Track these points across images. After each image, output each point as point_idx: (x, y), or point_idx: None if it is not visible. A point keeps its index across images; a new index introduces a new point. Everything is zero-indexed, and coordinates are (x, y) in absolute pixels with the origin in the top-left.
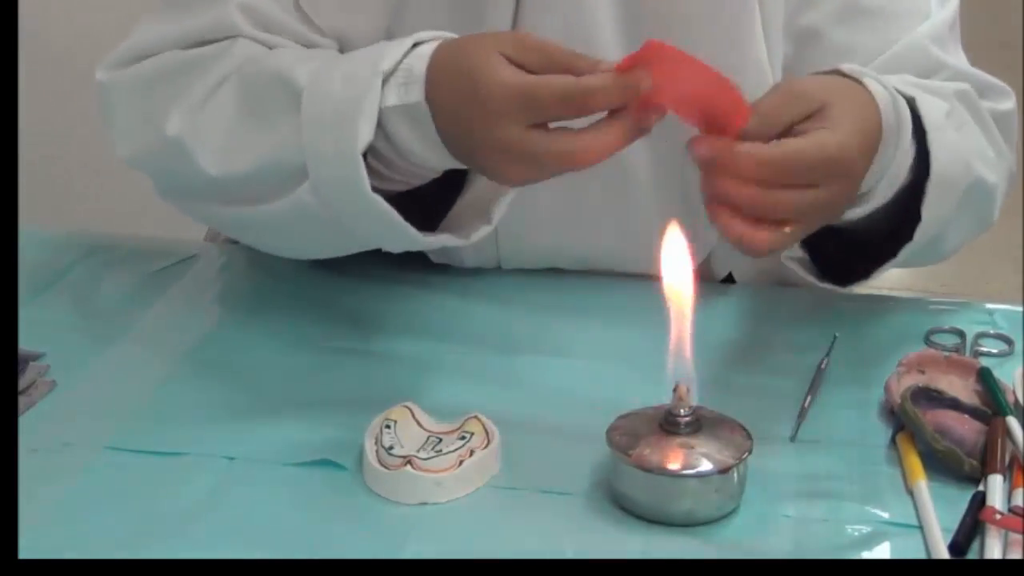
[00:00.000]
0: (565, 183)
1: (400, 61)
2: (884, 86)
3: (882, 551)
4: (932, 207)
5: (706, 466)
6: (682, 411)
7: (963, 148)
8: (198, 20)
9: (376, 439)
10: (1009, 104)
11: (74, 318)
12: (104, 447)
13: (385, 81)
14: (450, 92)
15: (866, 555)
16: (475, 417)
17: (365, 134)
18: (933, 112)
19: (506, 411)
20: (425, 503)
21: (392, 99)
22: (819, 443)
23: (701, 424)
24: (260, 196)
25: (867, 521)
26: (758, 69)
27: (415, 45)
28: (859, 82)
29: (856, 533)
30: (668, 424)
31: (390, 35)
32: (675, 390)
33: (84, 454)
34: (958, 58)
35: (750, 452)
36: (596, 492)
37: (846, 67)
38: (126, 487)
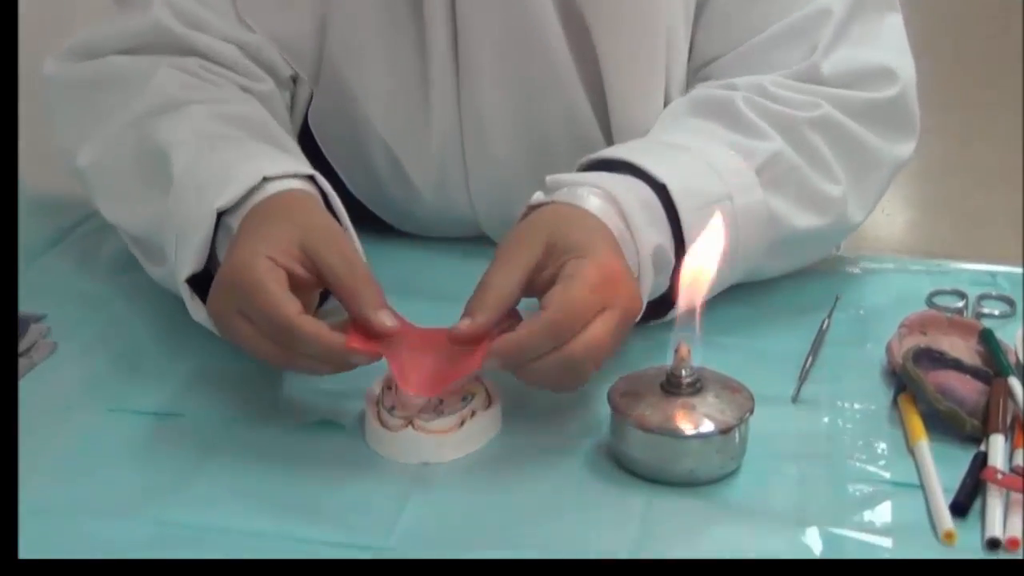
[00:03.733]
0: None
1: (238, 200)
2: (608, 196)
3: (884, 511)
4: (688, 296)
5: (708, 426)
6: (684, 372)
7: (766, 211)
8: (134, 21)
9: (378, 400)
10: (891, 90)
11: (75, 280)
12: (105, 409)
13: (222, 210)
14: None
15: (867, 515)
16: (477, 378)
17: (190, 265)
18: (691, 200)
19: (508, 373)
20: (427, 463)
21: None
22: (820, 404)
23: (703, 385)
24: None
25: (869, 481)
26: (673, 35)
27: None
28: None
29: (858, 493)
30: (670, 385)
31: (323, 34)
32: (676, 351)
33: (85, 416)
34: (857, 40)
35: (752, 412)
36: (598, 453)
37: (558, 195)
38: (126, 448)
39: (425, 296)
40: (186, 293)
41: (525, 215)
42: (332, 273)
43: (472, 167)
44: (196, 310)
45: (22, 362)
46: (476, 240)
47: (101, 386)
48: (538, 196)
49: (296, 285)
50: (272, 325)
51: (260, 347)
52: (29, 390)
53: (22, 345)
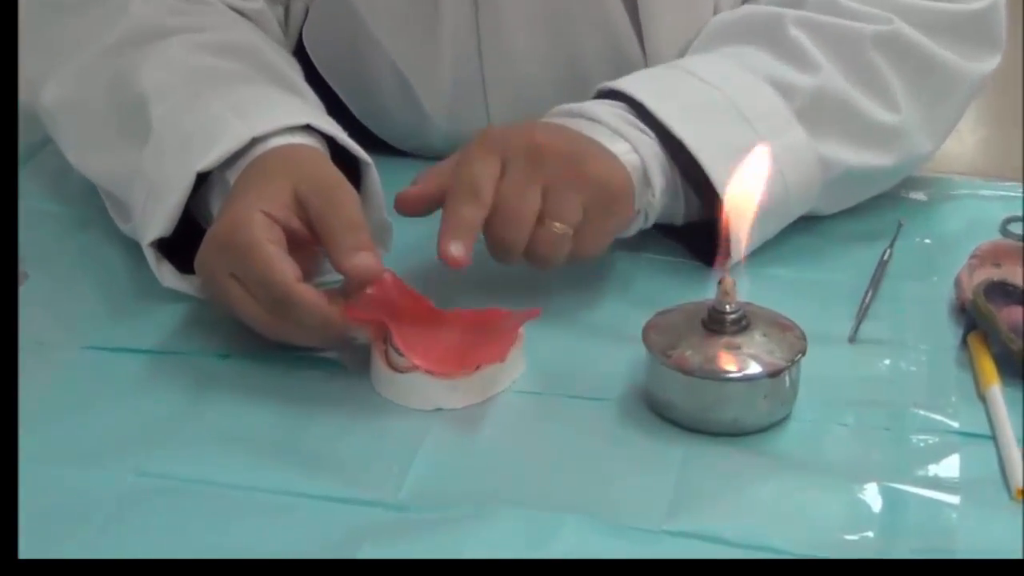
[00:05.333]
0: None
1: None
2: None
3: (950, 464)
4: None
5: (754, 369)
6: (727, 307)
7: (812, 153)
8: None
9: (385, 339)
10: (981, 1)
11: (47, 202)
12: (81, 347)
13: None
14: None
15: (932, 469)
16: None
17: (160, 227)
18: (722, 163)
19: (531, 307)
20: (440, 409)
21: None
22: (881, 344)
23: (749, 322)
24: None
25: (934, 431)
26: None
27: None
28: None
29: (922, 444)
30: (712, 322)
31: None
32: (720, 283)
33: (60, 354)
34: None
35: (803, 353)
36: (631, 398)
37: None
38: (106, 390)
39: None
40: (151, 257)
41: None
42: (317, 219)
43: (492, 88)
44: (166, 275)
45: None
46: None
47: (76, 321)
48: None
49: (295, 244)
50: (266, 291)
51: (252, 313)
52: None
53: None
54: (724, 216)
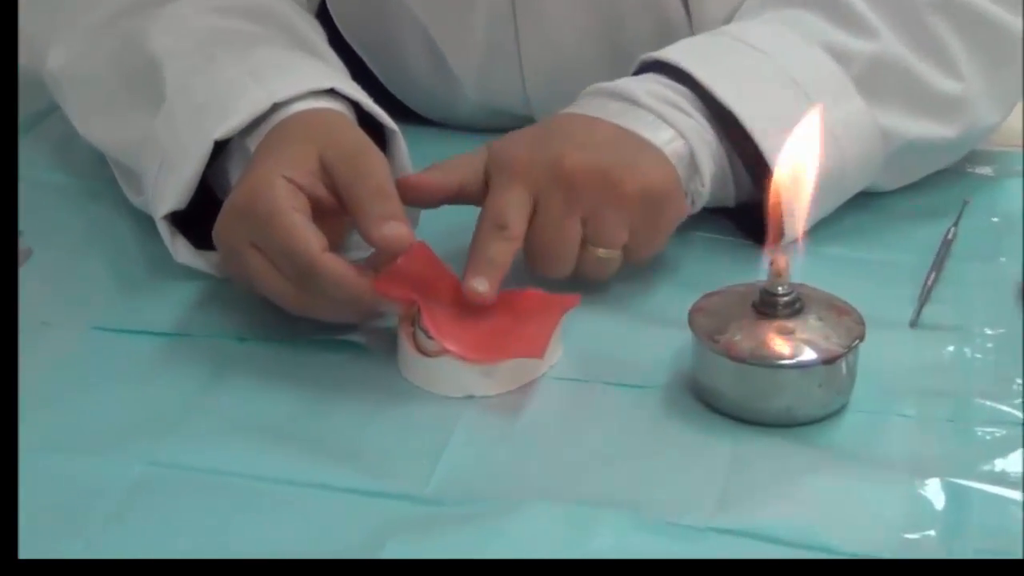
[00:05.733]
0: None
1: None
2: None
3: (1017, 459)
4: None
5: (808, 355)
6: (780, 289)
7: (871, 123)
8: None
9: (413, 320)
10: None
11: (52, 173)
12: (89, 327)
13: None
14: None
15: (999, 463)
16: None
17: (174, 199)
18: (775, 135)
19: (570, 288)
20: (471, 396)
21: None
22: (944, 329)
23: (803, 305)
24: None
25: (1000, 422)
26: None
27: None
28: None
29: (988, 437)
30: (763, 305)
31: None
32: (771, 263)
33: (65, 336)
34: None
35: (861, 339)
36: (677, 386)
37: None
38: (114, 374)
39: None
40: (165, 231)
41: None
42: (344, 187)
43: (527, 56)
44: (180, 251)
45: None
46: None
47: (84, 300)
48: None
49: (321, 213)
50: (290, 261)
51: (274, 286)
52: None
53: None
54: (777, 192)
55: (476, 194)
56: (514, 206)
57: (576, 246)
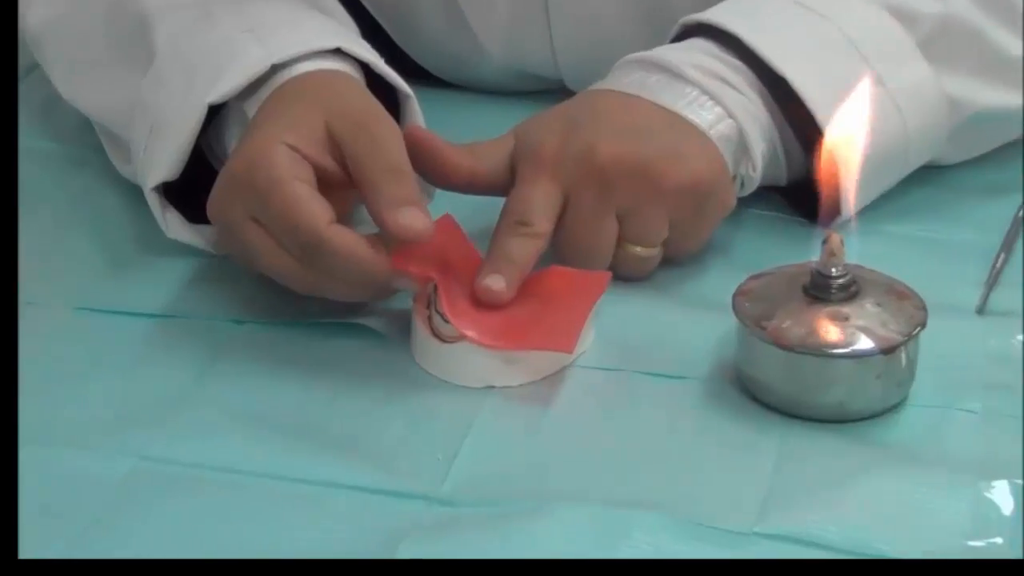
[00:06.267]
0: None
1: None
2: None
3: None
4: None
5: (865, 343)
6: (834, 270)
7: (937, 91)
8: None
9: (429, 302)
10: None
11: (34, 139)
12: (73, 307)
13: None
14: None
15: None
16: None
17: (165, 168)
18: (832, 104)
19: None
20: (492, 387)
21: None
22: (1014, 316)
23: (859, 288)
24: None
25: None
26: None
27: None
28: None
29: None
30: (815, 288)
31: None
32: (825, 242)
33: (48, 317)
34: None
35: (923, 326)
36: (719, 377)
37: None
38: (101, 360)
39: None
40: (155, 203)
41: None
42: (353, 161)
43: (556, 9)
44: (172, 225)
45: None
46: (557, 94)
47: (68, 278)
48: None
49: (327, 185)
50: (294, 235)
51: (277, 263)
52: None
53: None
54: (832, 164)
55: (504, 185)
56: (540, 202)
57: (611, 245)
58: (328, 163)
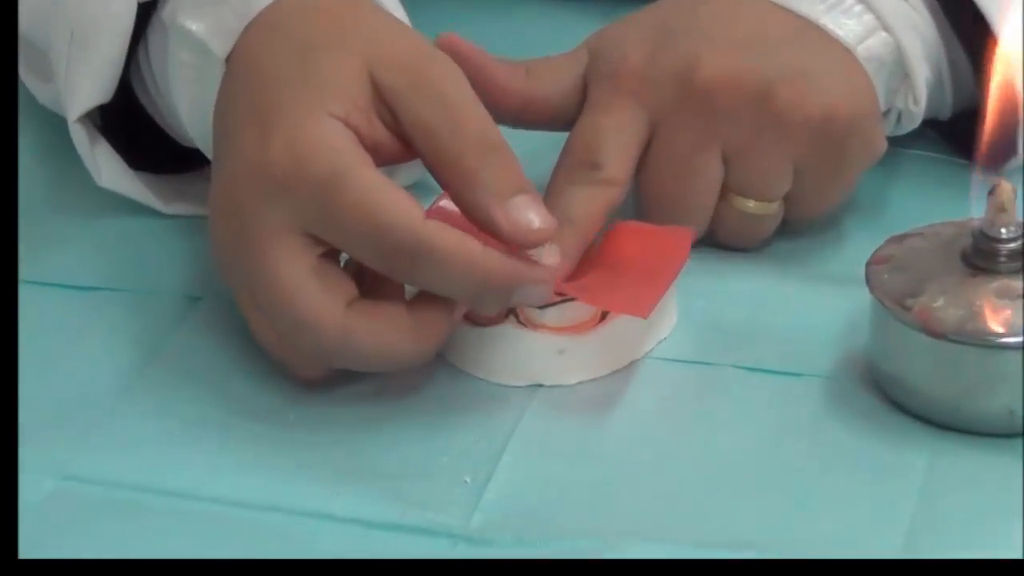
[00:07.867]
0: None
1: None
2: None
3: None
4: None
5: None
6: (1003, 232)
7: None
8: None
9: None
10: None
11: None
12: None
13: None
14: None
15: None
16: None
17: (92, 92)
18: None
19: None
20: (539, 385)
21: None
22: None
23: None
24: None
25: None
26: None
27: None
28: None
29: None
30: (977, 254)
31: None
32: (991, 193)
33: None
34: None
35: None
36: (847, 374)
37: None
38: (21, 346)
39: None
40: (82, 139)
41: None
42: (424, 131)
43: None
44: (106, 170)
45: None
46: None
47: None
48: None
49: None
50: (379, 239)
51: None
52: None
53: None
54: (1006, 91)
55: (569, 117)
56: (616, 136)
57: (714, 195)
58: (382, 135)
